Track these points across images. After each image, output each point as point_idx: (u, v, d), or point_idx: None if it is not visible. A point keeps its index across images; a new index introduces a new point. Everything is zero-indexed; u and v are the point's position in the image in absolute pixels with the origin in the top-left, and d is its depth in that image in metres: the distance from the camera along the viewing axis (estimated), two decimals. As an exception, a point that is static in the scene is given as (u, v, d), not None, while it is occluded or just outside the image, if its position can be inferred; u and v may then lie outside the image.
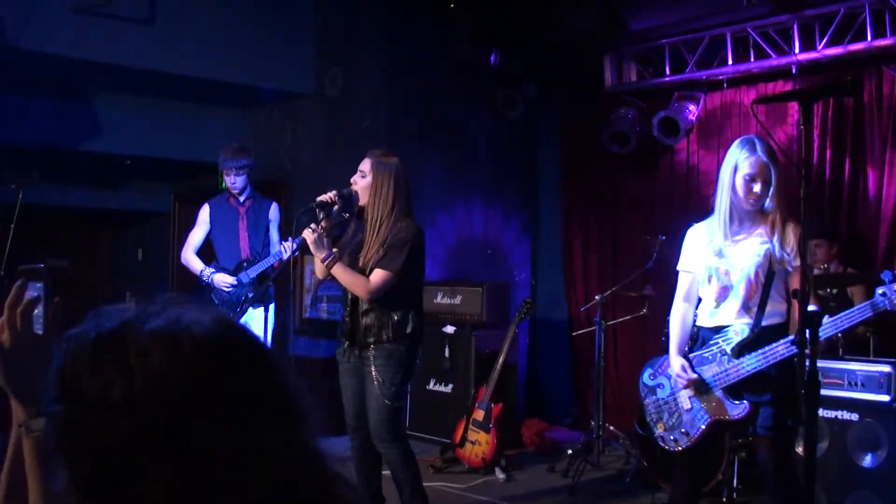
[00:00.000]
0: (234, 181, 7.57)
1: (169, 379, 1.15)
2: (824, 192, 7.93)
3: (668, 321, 7.25)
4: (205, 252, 7.70)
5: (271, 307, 7.35)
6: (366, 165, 5.40)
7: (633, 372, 9.20)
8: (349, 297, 5.51)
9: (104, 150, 9.55)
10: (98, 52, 8.19)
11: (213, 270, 7.53)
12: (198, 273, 7.57)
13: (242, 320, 7.40)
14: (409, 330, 5.38)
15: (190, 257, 7.68)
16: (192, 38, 8.69)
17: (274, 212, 7.70)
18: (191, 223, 11.48)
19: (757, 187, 4.62)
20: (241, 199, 7.68)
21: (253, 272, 7.44)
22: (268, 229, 7.64)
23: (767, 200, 4.66)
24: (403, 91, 9.27)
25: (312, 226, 5.34)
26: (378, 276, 5.29)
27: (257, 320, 7.35)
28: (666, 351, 7.37)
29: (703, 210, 8.56)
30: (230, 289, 7.46)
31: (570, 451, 7.85)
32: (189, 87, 9.35)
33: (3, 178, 8.02)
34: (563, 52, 9.08)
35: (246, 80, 9.32)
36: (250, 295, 7.41)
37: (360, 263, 5.36)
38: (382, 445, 5.39)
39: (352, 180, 5.43)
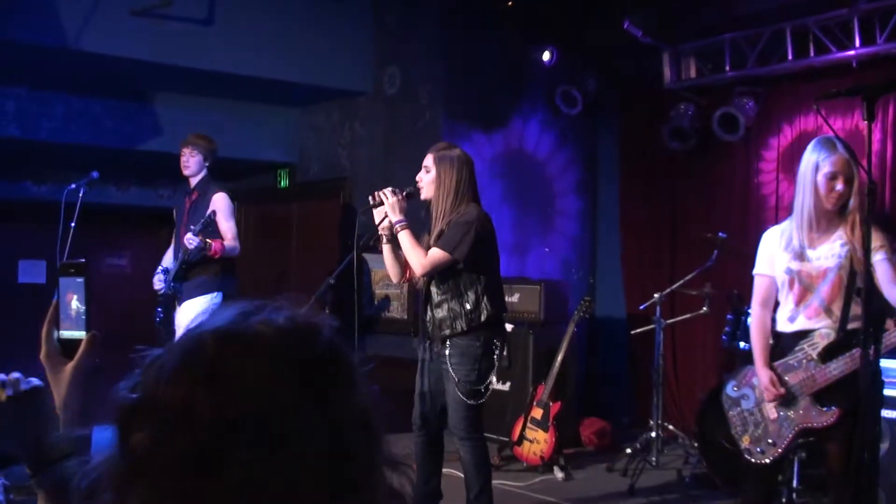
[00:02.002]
0: (185, 161, 7.77)
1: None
2: (885, 187, 7.86)
3: (728, 319, 7.30)
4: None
5: (208, 297, 7.50)
6: (429, 160, 5.50)
7: (692, 371, 9.23)
8: (423, 292, 5.59)
9: (163, 149, 9.69)
10: (157, 54, 8.35)
11: (157, 271, 7.77)
12: None
13: (180, 311, 7.59)
14: (483, 318, 5.39)
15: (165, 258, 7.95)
16: (251, 39, 8.82)
17: (219, 201, 7.58)
18: (250, 222, 11.64)
19: (839, 185, 4.56)
20: (190, 190, 7.81)
21: (172, 271, 7.61)
22: (211, 222, 7.37)
23: (851, 201, 4.60)
24: (461, 89, 9.33)
25: (394, 189, 5.42)
26: (433, 253, 5.35)
27: (187, 314, 7.46)
28: (727, 351, 7.35)
29: (764, 208, 8.59)
30: (161, 289, 7.67)
31: (628, 451, 7.87)
32: (247, 86, 9.52)
33: (63, 177, 8.14)
34: (622, 48, 9.05)
35: (304, 80, 9.45)
36: (179, 294, 7.59)
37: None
38: (460, 442, 5.46)
39: (417, 178, 5.54)
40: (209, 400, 1.10)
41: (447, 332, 5.39)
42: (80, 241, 7.69)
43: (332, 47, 9.41)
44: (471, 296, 5.39)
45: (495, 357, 5.46)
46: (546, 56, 9.16)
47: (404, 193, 5.50)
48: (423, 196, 5.54)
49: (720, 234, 7.62)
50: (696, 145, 9.14)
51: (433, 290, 5.48)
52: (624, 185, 10.17)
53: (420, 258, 5.35)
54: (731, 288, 7.59)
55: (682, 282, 8.01)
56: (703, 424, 7.01)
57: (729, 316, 7.34)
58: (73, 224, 7.55)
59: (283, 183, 11.39)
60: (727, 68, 8.60)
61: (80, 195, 7.62)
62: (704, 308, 7.88)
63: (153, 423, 1.11)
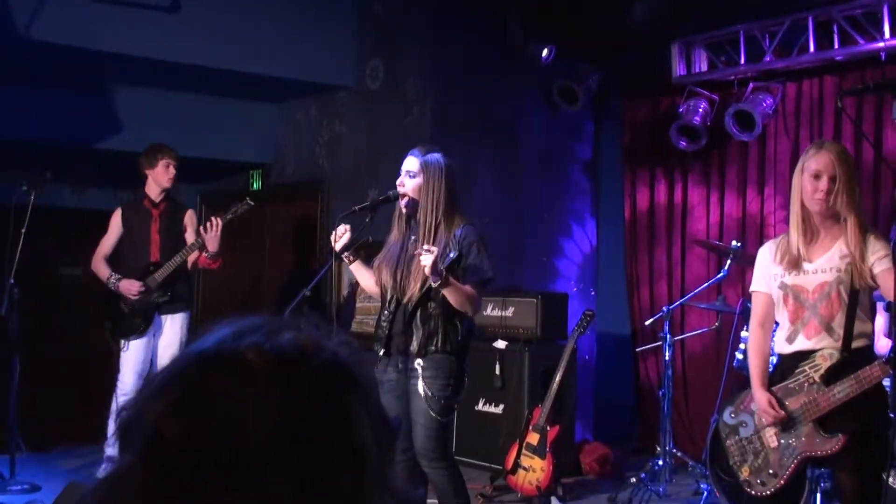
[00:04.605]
0: (172, 175, 8.17)
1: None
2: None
3: (741, 338, 7.17)
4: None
5: (183, 315, 7.97)
6: (413, 165, 5.43)
7: (703, 392, 9.12)
8: (392, 301, 5.51)
9: (124, 147, 9.62)
10: (116, 43, 8.30)
11: (119, 277, 7.84)
12: (104, 280, 7.89)
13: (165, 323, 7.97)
14: (468, 342, 5.49)
15: (98, 264, 8.05)
16: (220, 27, 8.77)
17: (189, 218, 8.29)
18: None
19: (822, 183, 4.61)
20: (157, 201, 8.09)
21: (160, 275, 7.78)
22: (181, 234, 8.13)
23: (838, 202, 4.62)
24: (450, 83, 9.29)
25: (430, 249, 5.06)
26: (474, 291, 5.33)
27: (171, 329, 7.91)
28: (738, 374, 7.26)
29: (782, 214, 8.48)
30: (138, 296, 7.75)
31: (633, 480, 7.77)
32: (216, 80, 9.47)
33: (13, 178, 8.07)
34: (627, 39, 8.99)
35: (279, 73, 9.40)
36: (161, 300, 7.84)
37: (417, 269, 5.30)
38: (429, 465, 5.39)
39: (398, 183, 5.47)
40: (180, 426, 1.12)
41: (434, 348, 5.33)
42: (32, 249, 7.70)
43: (310, 37, 9.36)
44: (464, 316, 5.39)
45: (465, 379, 5.50)
46: (544, 53, 9.04)
47: (381, 199, 5.51)
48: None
49: (733, 242, 7.59)
50: (708, 145, 9.06)
51: (428, 304, 5.38)
52: (628, 189, 10.09)
53: (475, 304, 5.37)
54: (746, 302, 7.48)
55: (691, 294, 8.03)
56: (728, 470, 6.93)
57: (743, 334, 7.24)
58: (23, 230, 7.60)
59: (256, 185, 11.39)
60: (742, 61, 8.53)
61: (32, 197, 7.64)
62: (716, 323, 7.85)
63: (133, 443, 1.15)
